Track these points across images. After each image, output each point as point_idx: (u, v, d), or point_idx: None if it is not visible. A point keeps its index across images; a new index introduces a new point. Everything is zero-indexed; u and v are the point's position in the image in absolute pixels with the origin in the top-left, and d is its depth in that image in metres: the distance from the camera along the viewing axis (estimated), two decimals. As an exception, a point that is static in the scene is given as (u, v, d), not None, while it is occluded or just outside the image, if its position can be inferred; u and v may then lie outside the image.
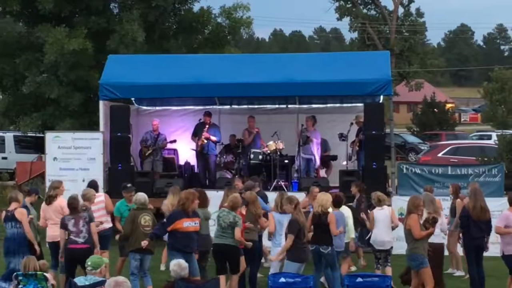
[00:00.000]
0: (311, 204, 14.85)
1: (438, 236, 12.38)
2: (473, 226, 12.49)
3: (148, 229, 12.12)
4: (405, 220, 11.61)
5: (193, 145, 19.39)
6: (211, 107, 20.21)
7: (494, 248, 13.24)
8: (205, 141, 18.73)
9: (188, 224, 11.50)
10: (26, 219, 12.38)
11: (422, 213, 11.72)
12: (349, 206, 13.99)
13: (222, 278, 11.83)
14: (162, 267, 14.22)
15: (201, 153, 18.88)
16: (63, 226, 12.11)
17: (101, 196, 14.00)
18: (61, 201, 13.06)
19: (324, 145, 19.61)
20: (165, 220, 11.84)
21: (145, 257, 12.19)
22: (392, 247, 13.24)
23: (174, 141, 19.35)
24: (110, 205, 13.96)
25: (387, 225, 13.10)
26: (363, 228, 14.60)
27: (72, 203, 12.24)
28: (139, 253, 12.17)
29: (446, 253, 13.75)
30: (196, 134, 19.00)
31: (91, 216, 12.40)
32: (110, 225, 13.88)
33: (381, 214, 13.19)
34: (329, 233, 12.21)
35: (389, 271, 13.05)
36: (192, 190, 12.16)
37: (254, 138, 19.27)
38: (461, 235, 13.28)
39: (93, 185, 14.23)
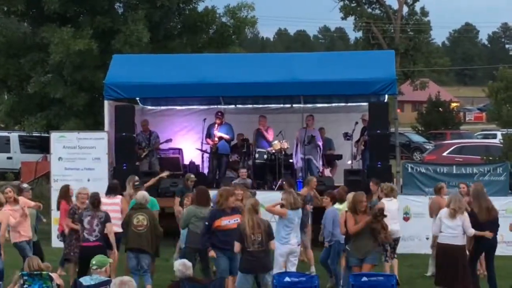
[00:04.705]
0: (309, 195, 14.90)
1: (458, 237, 11.96)
2: (483, 228, 12.32)
3: (141, 229, 12.15)
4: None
5: (198, 144, 19.43)
6: (215, 106, 20.26)
7: (499, 247, 13.24)
8: (217, 140, 18.79)
9: (228, 222, 11.49)
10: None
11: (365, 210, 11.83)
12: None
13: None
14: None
15: (215, 153, 18.92)
16: (79, 220, 12.33)
17: (117, 199, 14.00)
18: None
19: (329, 144, 19.63)
20: (207, 222, 11.75)
21: (140, 255, 12.22)
22: (399, 237, 13.63)
23: (170, 140, 19.35)
24: (126, 209, 13.84)
25: (396, 215, 13.58)
26: None
27: (95, 199, 12.33)
28: (133, 252, 12.27)
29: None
30: (209, 135, 19.05)
31: (108, 217, 12.36)
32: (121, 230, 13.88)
33: (391, 205, 13.47)
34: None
35: (396, 263, 13.38)
36: (227, 187, 12.29)
37: (257, 136, 19.28)
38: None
39: (113, 186, 14.24)
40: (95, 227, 12.11)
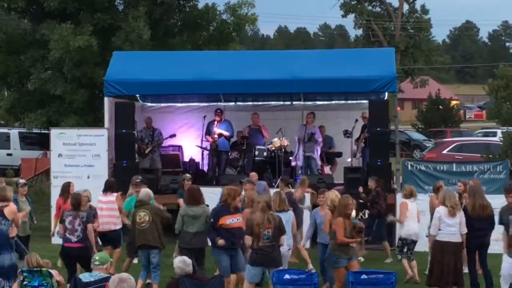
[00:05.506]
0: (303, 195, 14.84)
1: (456, 235, 11.99)
2: (475, 225, 12.30)
3: (144, 225, 12.12)
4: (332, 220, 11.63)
5: (197, 142, 19.42)
6: (215, 104, 20.25)
7: (496, 245, 13.21)
8: (217, 137, 18.78)
9: (231, 221, 11.52)
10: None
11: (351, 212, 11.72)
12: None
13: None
14: None
15: (215, 150, 18.92)
16: (62, 221, 12.28)
17: (112, 196, 13.95)
18: None
19: (329, 142, 19.62)
20: (211, 219, 11.75)
21: (150, 251, 12.22)
22: (417, 240, 14.16)
23: (174, 135, 19.35)
24: (121, 206, 13.82)
25: (415, 216, 14.10)
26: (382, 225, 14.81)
27: (75, 200, 12.26)
28: (142, 249, 12.31)
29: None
30: (209, 132, 19.04)
31: (89, 217, 12.21)
32: (119, 226, 13.85)
33: (412, 205, 13.98)
34: None
35: (415, 265, 13.84)
36: (234, 186, 12.21)
37: (253, 132, 19.25)
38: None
39: (109, 185, 14.22)
40: (77, 227, 11.96)
